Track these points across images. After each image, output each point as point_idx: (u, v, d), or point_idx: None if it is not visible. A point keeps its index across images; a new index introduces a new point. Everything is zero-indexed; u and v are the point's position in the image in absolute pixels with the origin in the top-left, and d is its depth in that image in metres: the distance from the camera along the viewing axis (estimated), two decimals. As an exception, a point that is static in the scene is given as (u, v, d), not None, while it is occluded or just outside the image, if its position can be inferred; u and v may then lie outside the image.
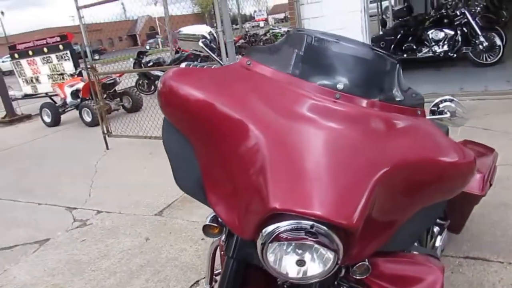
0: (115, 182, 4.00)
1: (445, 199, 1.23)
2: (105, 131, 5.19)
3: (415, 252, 1.26)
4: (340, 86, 1.04)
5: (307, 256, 0.92)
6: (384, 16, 8.50)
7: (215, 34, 1.24)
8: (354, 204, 0.89)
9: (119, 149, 5.18)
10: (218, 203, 1.07)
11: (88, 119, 6.70)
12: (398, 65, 1.14)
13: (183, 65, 1.25)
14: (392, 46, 6.78)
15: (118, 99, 7.09)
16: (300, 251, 0.93)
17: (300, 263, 0.93)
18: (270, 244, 0.91)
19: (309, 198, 0.89)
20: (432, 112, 1.24)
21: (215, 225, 1.13)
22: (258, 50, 1.16)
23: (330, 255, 0.90)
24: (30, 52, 8.42)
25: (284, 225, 0.89)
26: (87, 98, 6.61)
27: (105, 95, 6.45)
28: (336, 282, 1.21)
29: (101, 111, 5.18)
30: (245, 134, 0.99)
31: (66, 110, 7.38)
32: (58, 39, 7.99)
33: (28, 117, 8.65)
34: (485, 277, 2.01)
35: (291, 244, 0.91)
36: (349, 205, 0.89)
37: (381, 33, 7.71)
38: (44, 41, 8.19)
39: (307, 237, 0.88)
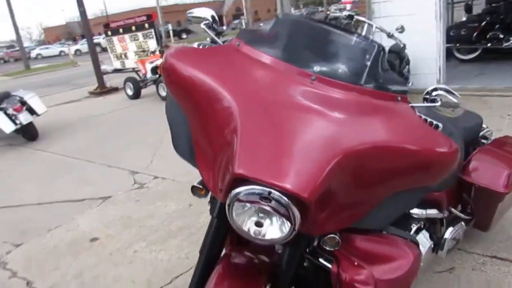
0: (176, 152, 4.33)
1: (426, 186, 1.25)
2: (174, 106, 5.57)
3: (395, 235, 1.29)
4: (316, 69, 1.11)
5: (265, 220, 1.03)
6: (470, 1, 7.84)
7: (217, 18, 1.35)
8: (311, 178, 0.95)
9: (185, 123, 5.54)
10: (203, 167, 1.21)
11: (163, 93, 7.22)
12: (381, 51, 1.17)
13: (195, 44, 1.39)
14: (475, 34, 6.28)
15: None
16: (261, 215, 1.03)
17: (259, 224, 1.03)
18: (234, 205, 1.02)
19: (269, 168, 0.97)
20: (425, 100, 1.25)
21: (201, 186, 1.29)
22: (248, 32, 1.26)
23: (285, 221, 0.99)
24: (121, 30, 9.19)
25: (246, 189, 0.98)
26: (165, 74, 7.09)
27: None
28: (308, 250, 1.30)
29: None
30: (224, 106, 1.10)
31: (146, 84, 8.00)
32: (144, 18, 8.62)
33: (115, 89, 9.49)
34: (506, 279, 1.94)
35: (253, 207, 1.01)
36: (306, 178, 0.95)
37: (464, 19, 7.15)
38: (133, 20, 8.88)
39: (259, 201, 0.98)
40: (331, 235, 1.19)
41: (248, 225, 1.04)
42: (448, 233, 1.78)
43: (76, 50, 31.46)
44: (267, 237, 1.03)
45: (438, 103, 1.22)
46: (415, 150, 1.08)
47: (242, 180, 0.98)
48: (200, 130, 1.20)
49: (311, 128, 1.04)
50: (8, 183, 4.21)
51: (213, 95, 1.14)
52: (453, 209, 1.96)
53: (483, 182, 1.84)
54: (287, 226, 0.99)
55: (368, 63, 1.15)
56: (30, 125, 5.55)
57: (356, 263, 1.21)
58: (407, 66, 4.95)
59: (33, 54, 35.23)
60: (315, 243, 1.27)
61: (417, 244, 1.31)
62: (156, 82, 7.47)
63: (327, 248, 1.22)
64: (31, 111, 5.50)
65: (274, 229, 1.02)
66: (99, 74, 9.44)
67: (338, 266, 1.21)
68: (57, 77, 15.25)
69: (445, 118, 1.32)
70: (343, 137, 1.03)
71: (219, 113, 1.12)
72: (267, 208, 0.97)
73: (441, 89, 1.24)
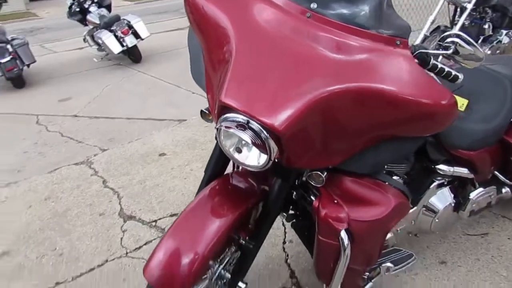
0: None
1: (418, 136, 1.21)
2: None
3: (385, 182, 1.30)
4: (313, 5, 1.11)
5: (245, 147, 1.12)
6: None
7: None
8: (287, 113, 0.99)
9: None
10: (209, 93, 1.33)
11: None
12: None
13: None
14: None
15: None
16: (243, 142, 1.12)
17: (238, 150, 1.13)
18: (222, 130, 1.12)
19: (251, 100, 1.04)
20: (438, 46, 1.18)
21: (207, 112, 1.41)
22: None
23: (259, 149, 1.07)
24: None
25: (228, 116, 1.07)
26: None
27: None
28: (297, 183, 1.38)
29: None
30: (225, 37, 1.15)
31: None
32: None
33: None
34: (542, 254, 1.80)
35: (236, 133, 1.09)
36: (283, 113, 0.99)
37: None
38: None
39: (235, 127, 1.06)
40: (317, 172, 1.25)
41: (233, 150, 1.15)
42: (474, 195, 1.69)
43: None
44: (248, 163, 1.13)
45: (450, 51, 1.14)
46: (405, 98, 1.04)
47: (230, 107, 1.08)
48: (207, 58, 1.30)
49: (298, 65, 1.07)
50: (112, 97, 4.81)
51: (218, 26, 1.21)
52: (497, 173, 1.84)
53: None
54: (263, 156, 1.08)
55: (371, 4, 1.10)
56: (135, 48, 6.09)
57: (335, 201, 1.26)
58: (524, 13, 4.28)
59: (157, -19, 37.13)
60: (304, 178, 1.34)
61: (406, 195, 1.30)
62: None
63: (313, 184, 1.28)
64: (136, 35, 6.02)
65: (253, 157, 1.12)
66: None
67: (319, 201, 1.28)
68: (171, 5, 16.02)
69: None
70: (328, 77, 1.04)
71: (221, 43, 1.19)
72: (242, 135, 1.05)
73: (457, 36, 1.15)
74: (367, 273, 1.46)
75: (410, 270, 1.79)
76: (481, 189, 1.72)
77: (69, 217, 2.48)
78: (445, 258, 1.85)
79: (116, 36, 5.85)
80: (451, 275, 1.76)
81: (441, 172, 1.61)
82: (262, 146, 1.04)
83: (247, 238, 1.41)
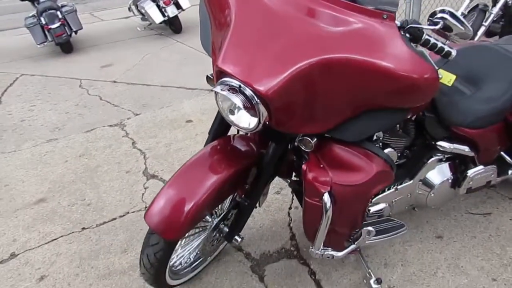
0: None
1: (404, 108, 1.26)
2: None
3: (373, 151, 1.36)
4: None
5: (237, 110, 1.23)
6: None
7: None
8: (275, 80, 1.08)
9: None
10: (213, 59, 1.43)
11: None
12: None
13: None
14: None
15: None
16: (238, 106, 1.22)
17: (232, 112, 1.24)
18: (218, 94, 1.23)
19: (244, 66, 1.14)
20: (429, 21, 1.21)
21: (211, 77, 1.52)
22: None
23: (250, 112, 1.17)
24: None
25: (225, 80, 1.18)
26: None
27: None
28: (290, 147, 1.48)
29: None
30: (227, 9, 1.24)
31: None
32: None
33: None
34: (542, 236, 1.81)
35: (227, 96, 1.19)
36: (271, 79, 1.09)
37: None
38: None
39: (227, 90, 1.17)
40: (307, 138, 1.34)
41: (228, 113, 1.26)
42: (471, 172, 1.71)
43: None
44: (241, 125, 1.24)
45: (437, 26, 1.18)
46: (386, 70, 1.10)
47: (226, 73, 1.18)
48: (213, 27, 1.39)
49: (287, 36, 1.15)
50: (150, 65, 5.01)
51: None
52: (504, 154, 1.84)
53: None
54: (253, 119, 1.18)
55: None
56: (176, 18, 6.25)
57: (321, 166, 1.35)
58: None
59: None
60: (296, 143, 1.43)
61: (390, 165, 1.36)
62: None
63: (303, 148, 1.38)
64: (178, 6, 6.16)
65: (245, 119, 1.22)
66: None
67: (307, 165, 1.37)
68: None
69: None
70: (313, 48, 1.11)
71: (223, 13, 1.29)
72: (233, 98, 1.16)
73: (447, 12, 1.18)
74: (352, 236, 1.55)
75: (406, 241, 1.86)
76: (480, 167, 1.73)
77: (99, 173, 2.71)
78: (443, 233, 1.89)
79: (158, 6, 6.02)
80: (444, 249, 1.81)
81: (441, 149, 1.64)
82: (252, 109, 1.15)
83: (243, 196, 1.53)
